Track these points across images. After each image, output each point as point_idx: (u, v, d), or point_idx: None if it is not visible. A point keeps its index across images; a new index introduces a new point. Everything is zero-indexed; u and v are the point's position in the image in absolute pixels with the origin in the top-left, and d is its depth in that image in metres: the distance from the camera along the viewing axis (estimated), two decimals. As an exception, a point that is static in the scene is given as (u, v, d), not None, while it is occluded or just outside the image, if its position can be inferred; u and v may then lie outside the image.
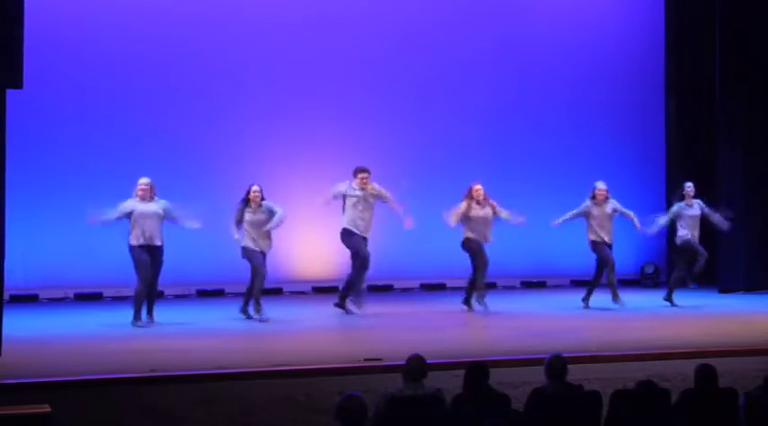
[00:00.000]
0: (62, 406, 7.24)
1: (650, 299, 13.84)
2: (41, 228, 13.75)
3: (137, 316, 11.38)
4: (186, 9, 14.55)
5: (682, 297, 13.53)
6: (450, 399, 6.77)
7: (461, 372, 6.91)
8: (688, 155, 15.83)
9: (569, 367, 7.00)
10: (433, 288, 15.14)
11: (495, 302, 12.78)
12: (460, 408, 6.67)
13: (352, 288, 12.41)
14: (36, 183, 13.74)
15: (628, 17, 16.41)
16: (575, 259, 14.80)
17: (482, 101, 15.65)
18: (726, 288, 14.69)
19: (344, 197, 12.48)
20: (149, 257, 11.39)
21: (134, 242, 11.41)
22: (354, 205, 12.41)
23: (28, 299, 13.52)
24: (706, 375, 6.98)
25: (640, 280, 15.88)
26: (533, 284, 15.63)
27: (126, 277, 13.00)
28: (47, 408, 6.92)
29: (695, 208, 13.41)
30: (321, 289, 14.74)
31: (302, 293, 14.74)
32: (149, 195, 11.55)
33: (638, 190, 15.60)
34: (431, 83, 15.44)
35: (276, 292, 14.38)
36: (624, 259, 14.68)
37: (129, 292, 13.83)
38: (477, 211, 12.70)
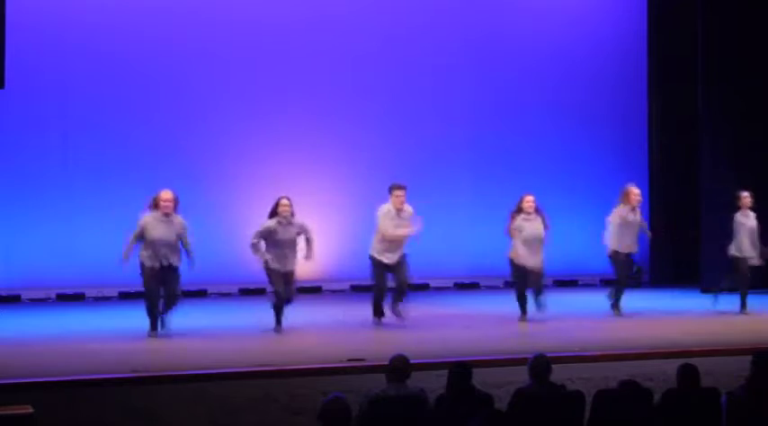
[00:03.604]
0: (44, 407, 7.21)
1: (633, 300, 13.86)
2: (23, 229, 13.70)
3: (151, 326, 10.63)
4: (171, 8, 14.52)
5: (663, 298, 13.56)
6: (433, 399, 6.77)
7: (445, 372, 6.91)
8: (670, 156, 15.88)
9: (552, 367, 7.01)
10: (417, 289, 15.10)
11: (477, 303, 12.78)
12: (444, 408, 6.67)
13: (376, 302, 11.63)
14: (18, 183, 13.70)
15: (610, 17, 16.46)
16: (556, 259, 14.81)
17: (464, 102, 15.66)
18: (708, 288, 14.72)
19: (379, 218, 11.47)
20: (162, 275, 10.55)
21: (147, 262, 10.54)
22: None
23: (10, 300, 13.47)
24: (688, 374, 6.99)
25: (623, 281, 15.89)
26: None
27: (108, 278, 12.98)
28: (29, 409, 6.88)
29: (751, 218, 12.75)
30: (302, 290, 14.70)
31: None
32: (172, 211, 10.60)
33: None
34: (414, 85, 15.44)
35: (259, 292, 14.37)
36: (607, 259, 14.69)
37: (111, 292, 13.86)
38: (528, 225, 11.76)
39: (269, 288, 11.23)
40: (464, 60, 15.67)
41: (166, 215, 10.56)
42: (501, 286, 15.56)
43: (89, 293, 13.89)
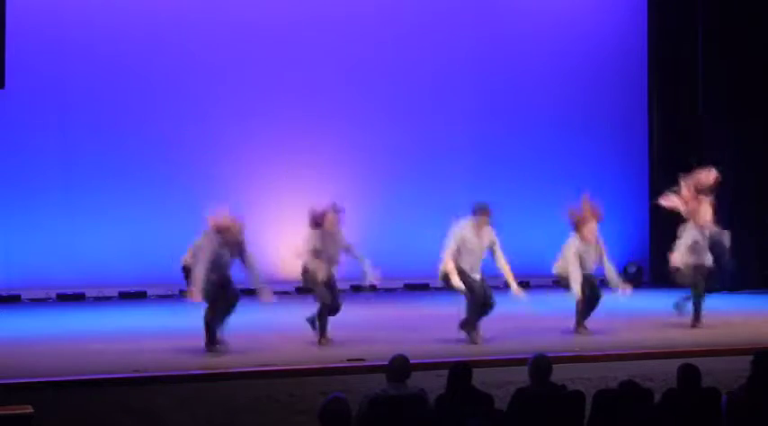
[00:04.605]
0: (44, 407, 7.21)
1: (632, 300, 13.85)
2: (23, 229, 13.69)
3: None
4: (171, 9, 14.51)
5: (663, 298, 13.54)
6: (433, 399, 6.77)
7: (445, 372, 6.91)
8: (672, 158, 15.86)
9: (552, 366, 7.01)
10: (417, 289, 15.13)
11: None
12: (444, 408, 6.67)
13: (466, 325, 10.68)
14: (18, 183, 13.69)
15: (610, 18, 16.45)
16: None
17: (465, 103, 15.66)
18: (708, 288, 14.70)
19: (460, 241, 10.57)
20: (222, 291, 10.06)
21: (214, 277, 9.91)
22: (469, 252, 10.70)
23: (10, 300, 13.47)
24: (689, 374, 6.98)
25: (623, 281, 15.88)
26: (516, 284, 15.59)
27: (108, 278, 12.98)
28: (29, 409, 6.88)
29: None
30: (304, 289, 14.71)
31: (285, 293, 14.70)
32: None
33: (621, 193, 15.65)
34: (414, 85, 15.43)
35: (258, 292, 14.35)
36: (607, 259, 14.66)
37: (112, 292, 13.87)
38: (587, 243, 11.23)
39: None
40: (464, 61, 15.65)
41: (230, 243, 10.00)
42: (500, 286, 15.55)
43: (89, 293, 13.88)
